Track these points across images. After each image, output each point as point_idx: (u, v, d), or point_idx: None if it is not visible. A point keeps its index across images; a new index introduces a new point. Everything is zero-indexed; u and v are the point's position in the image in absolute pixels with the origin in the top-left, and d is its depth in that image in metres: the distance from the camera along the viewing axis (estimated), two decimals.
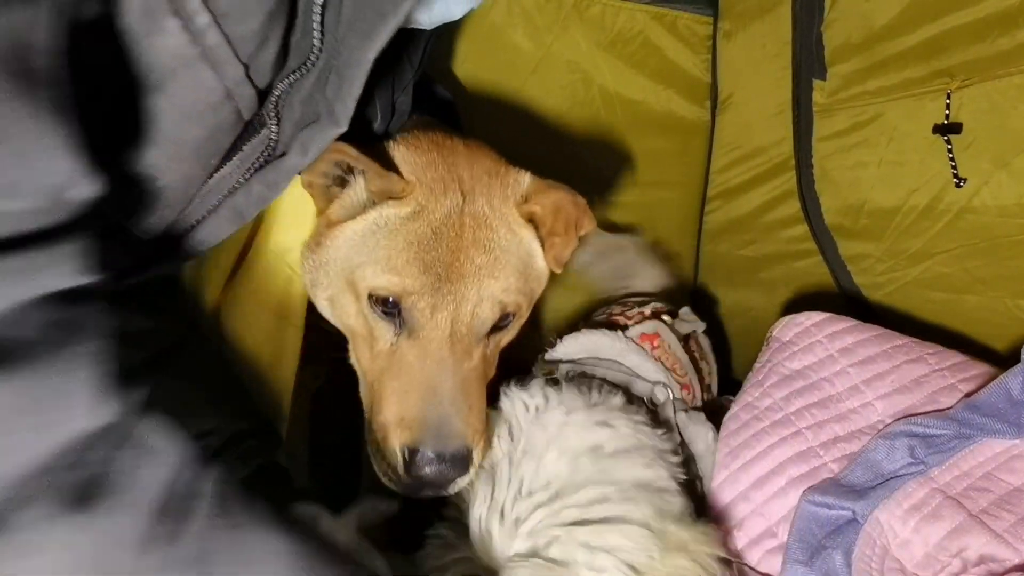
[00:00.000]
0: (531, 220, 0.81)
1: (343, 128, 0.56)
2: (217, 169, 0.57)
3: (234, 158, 0.57)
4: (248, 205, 0.61)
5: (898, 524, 0.69)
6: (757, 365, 0.97)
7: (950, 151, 1.16)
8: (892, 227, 1.29)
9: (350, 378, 0.84)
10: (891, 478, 0.73)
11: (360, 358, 0.79)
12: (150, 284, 0.69)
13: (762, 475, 0.81)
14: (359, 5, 0.51)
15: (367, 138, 0.75)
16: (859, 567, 0.68)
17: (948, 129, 1.16)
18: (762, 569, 0.74)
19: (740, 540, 0.77)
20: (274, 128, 0.57)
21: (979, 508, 0.68)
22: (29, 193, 0.33)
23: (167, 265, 0.61)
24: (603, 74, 1.50)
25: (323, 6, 0.50)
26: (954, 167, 1.16)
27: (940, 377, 0.83)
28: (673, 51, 1.54)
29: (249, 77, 0.50)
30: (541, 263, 0.82)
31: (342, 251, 0.76)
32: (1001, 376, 0.73)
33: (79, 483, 0.34)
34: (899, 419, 0.78)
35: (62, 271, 0.35)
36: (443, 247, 0.73)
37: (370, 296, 0.74)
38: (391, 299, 0.73)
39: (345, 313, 0.78)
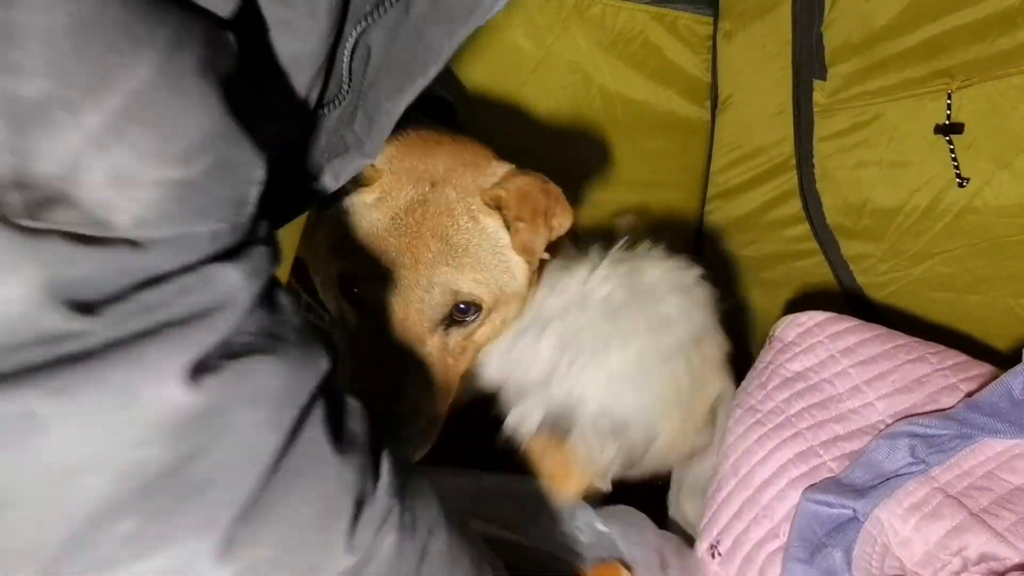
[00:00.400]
0: (499, 207, 0.80)
1: (372, 160, 0.60)
2: None
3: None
4: (275, 222, 0.66)
5: (899, 523, 0.69)
6: (760, 366, 0.98)
7: (952, 151, 1.16)
8: (893, 227, 1.29)
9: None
10: (892, 477, 0.73)
11: (339, 343, 0.82)
12: None
13: (766, 478, 0.81)
14: (387, 56, 0.54)
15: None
16: (859, 565, 0.68)
17: (950, 129, 1.16)
18: (767, 571, 0.74)
19: (746, 544, 0.77)
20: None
21: (980, 507, 0.68)
22: (253, 201, 0.40)
23: None
24: (603, 74, 1.50)
25: (352, 52, 0.53)
26: (956, 167, 1.16)
27: (942, 377, 0.82)
28: (673, 51, 1.54)
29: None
30: (515, 256, 0.82)
31: (320, 237, 0.78)
32: (1002, 376, 0.73)
33: (333, 429, 0.43)
34: (900, 419, 0.78)
35: (270, 262, 0.41)
36: (401, 234, 0.75)
37: (338, 280, 0.77)
38: (355, 286, 0.76)
39: (328, 299, 0.81)
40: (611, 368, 0.83)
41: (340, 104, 0.58)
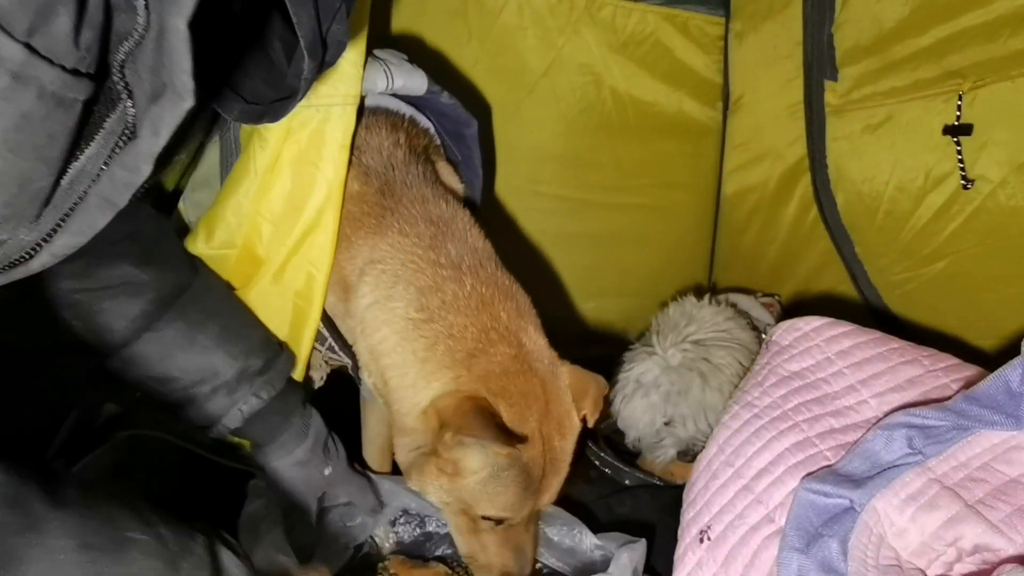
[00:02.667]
0: None
1: (190, 103, 0.52)
2: (76, 157, 0.55)
3: (93, 141, 0.55)
4: (116, 192, 0.58)
5: (895, 513, 0.69)
6: (756, 367, 1.00)
7: (959, 152, 1.16)
8: (908, 227, 1.29)
9: (344, 381, 1.07)
10: (889, 468, 0.73)
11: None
12: (147, 241, 0.83)
13: (763, 466, 0.82)
14: None
15: (291, 81, 0.72)
16: (855, 555, 0.68)
17: (958, 130, 1.16)
18: (761, 554, 0.75)
19: (741, 528, 0.78)
20: (129, 104, 0.55)
21: (975, 498, 0.69)
22: None
23: (42, 261, 0.60)
24: (614, 76, 1.51)
25: None
26: (963, 169, 1.16)
27: (934, 377, 0.84)
28: (684, 52, 1.55)
29: (43, 56, 0.46)
30: None
31: None
32: (1001, 368, 0.73)
33: None
34: (897, 410, 0.79)
35: None
36: None
37: None
38: None
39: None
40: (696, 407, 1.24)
41: (143, 36, 0.51)
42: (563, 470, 0.91)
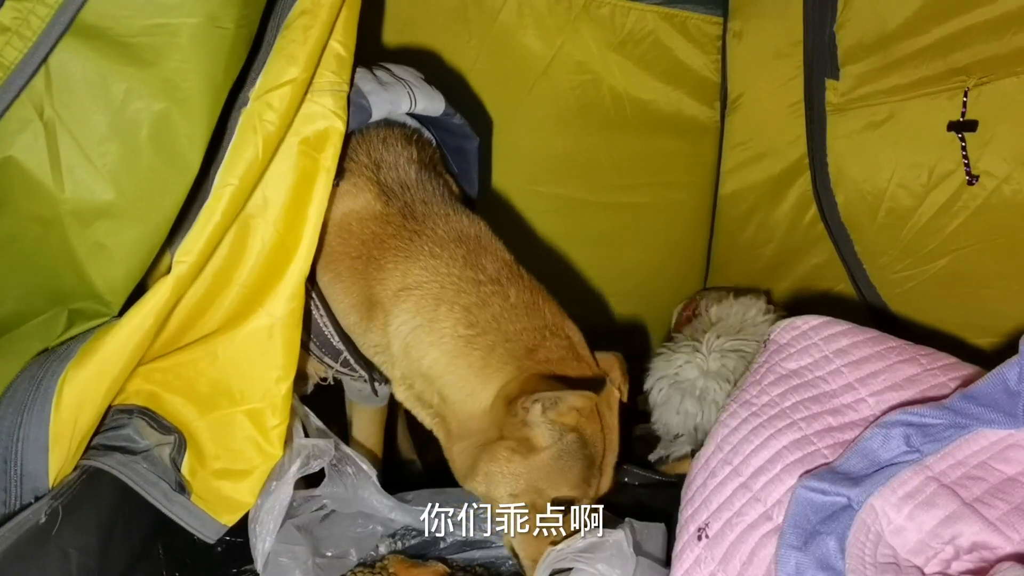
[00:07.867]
0: None
1: None
2: None
3: None
4: None
5: (892, 511, 0.69)
6: (755, 366, 1.00)
7: (964, 149, 1.16)
8: (909, 225, 1.29)
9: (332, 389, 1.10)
10: (886, 466, 0.73)
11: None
12: None
13: (761, 464, 0.82)
14: None
15: None
16: (852, 552, 0.68)
17: (963, 126, 1.16)
18: (759, 552, 0.75)
19: (738, 526, 0.78)
20: None
21: (973, 496, 0.68)
22: None
23: None
24: (613, 75, 1.52)
25: None
26: (967, 164, 1.16)
27: (931, 376, 0.83)
28: (683, 51, 1.56)
29: None
30: None
31: None
32: (999, 367, 0.73)
33: None
34: (895, 408, 0.78)
35: None
36: None
37: None
38: None
39: None
40: None
41: None
42: (617, 446, 0.95)
